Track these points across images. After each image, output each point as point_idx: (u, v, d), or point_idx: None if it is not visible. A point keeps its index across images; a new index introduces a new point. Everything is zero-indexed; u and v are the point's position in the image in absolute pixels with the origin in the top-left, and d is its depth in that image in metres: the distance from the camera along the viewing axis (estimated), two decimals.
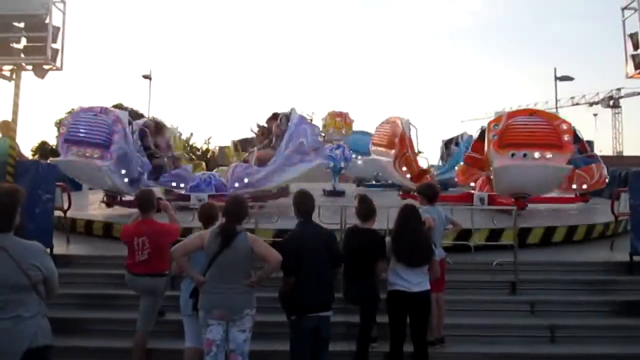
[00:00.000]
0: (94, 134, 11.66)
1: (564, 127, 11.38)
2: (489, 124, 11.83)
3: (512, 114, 11.90)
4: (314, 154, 13.25)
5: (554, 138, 11.09)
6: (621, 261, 7.91)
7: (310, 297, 4.49)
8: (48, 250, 7.46)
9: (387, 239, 5.31)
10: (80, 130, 11.75)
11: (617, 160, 34.35)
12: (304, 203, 4.85)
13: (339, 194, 17.62)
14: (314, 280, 4.50)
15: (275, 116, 14.48)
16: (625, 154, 51.54)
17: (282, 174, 12.98)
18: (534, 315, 6.84)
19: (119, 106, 47.68)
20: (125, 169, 12.04)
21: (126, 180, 12.13)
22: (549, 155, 10.95)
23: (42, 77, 11.30)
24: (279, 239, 6.66)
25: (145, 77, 30.85)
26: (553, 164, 11.07)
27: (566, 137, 11.25)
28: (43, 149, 45.22)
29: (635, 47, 11.27)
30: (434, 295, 5.61)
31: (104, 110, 12.23)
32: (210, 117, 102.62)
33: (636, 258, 7.68)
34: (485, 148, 12.09)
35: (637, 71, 11.20)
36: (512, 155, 11.02)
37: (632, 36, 11.35)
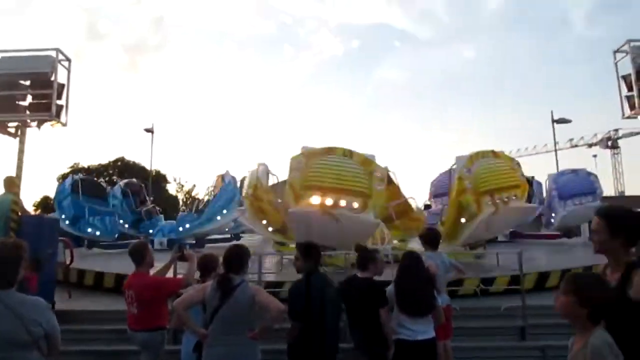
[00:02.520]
0: None
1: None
2: None
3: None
4: None
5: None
6: None
7: (316, 348, 4.42)
8: (50, 305, 7.42)
9: (390, 287, 5.24)
10: None
11: (619, 201, 34.30)
12: (312, 253, 4.85)
13: None
14: (321, 330, 4.44)
15: None
16: (627, 193, 51.51)
17: None
18: None
19: (121, 160, 48.68)
20: None
21: None
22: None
23: (47, 132, 11.46)
24: None
25: (148, 130, 31.26)
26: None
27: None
28: (46, 204, 45.41)
29: (629, 88, 11.48)
30: (441, 343, 5.50)
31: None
32: (212, 167, 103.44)
33: None
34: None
35: (633, 111, 11.36)
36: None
37: (626, 78, 11.59)
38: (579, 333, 2.52)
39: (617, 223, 2.77)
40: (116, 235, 18.82)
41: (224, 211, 18.70)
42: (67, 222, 17.33)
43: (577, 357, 2.47)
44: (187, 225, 19.39)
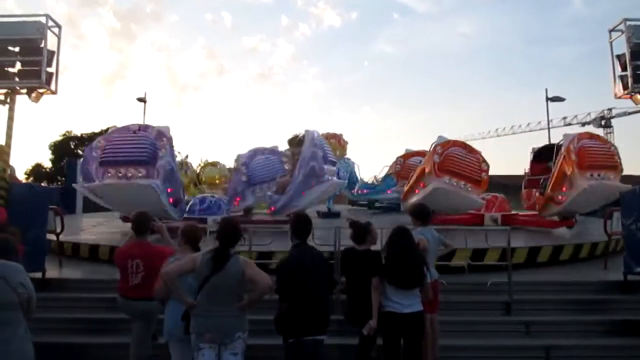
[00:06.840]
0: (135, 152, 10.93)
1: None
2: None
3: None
4: (328, 174, 13.44)
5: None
6: (615, 280, 7.92)
7: (308, 320, 4.46)
8: (40, 274, 7.47)
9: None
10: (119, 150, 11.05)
11: None
12: (301, 225, 4.83)
13: (334, 215, 17.58)
14: (311, 303, 4.48)
15: (294, 140, 14.71)
16: None
17: (301, 198, 13.22)
18: (529, 336, 6.82)
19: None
20: (172, 188, 11.33)
21: (171, 200, 11.31)
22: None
23: (37, 100, 11.29)
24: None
25: (140, 100, 30.88)
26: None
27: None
28: (37, 172, 45.12)
29: (623, 68, 11.41)
30: (427, 316, 5.56)
31: (143, 128, 11.44)
32: (206, 139, 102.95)
33: (630, 277, 7.69)
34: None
35: (626, 91, 11.31)
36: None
37: (620, 57, 11.50)
38: None
39: None
40: None
41: None
42: None
43: None
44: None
